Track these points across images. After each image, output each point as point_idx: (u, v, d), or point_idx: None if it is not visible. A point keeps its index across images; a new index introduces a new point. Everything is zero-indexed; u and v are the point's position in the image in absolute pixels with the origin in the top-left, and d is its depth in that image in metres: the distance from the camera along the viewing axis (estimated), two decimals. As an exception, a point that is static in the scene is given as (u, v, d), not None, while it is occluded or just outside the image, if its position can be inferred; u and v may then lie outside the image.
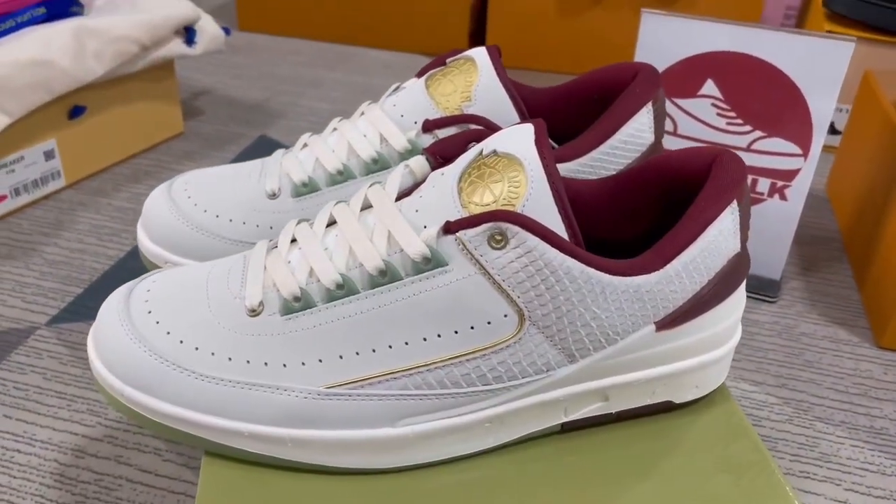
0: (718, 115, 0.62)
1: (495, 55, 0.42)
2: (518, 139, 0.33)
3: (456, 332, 0.32)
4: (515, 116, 0.41)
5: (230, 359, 0.32)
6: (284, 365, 0.32)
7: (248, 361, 0.32)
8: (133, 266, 0.67)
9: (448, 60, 0.43)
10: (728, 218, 0.33)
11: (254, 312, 0.33)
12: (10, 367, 0.56)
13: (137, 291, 0.35)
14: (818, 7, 0.97)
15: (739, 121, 0.62)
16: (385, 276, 0.32)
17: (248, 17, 1.23)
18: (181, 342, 0.33)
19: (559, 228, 0.31)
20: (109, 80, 0.77)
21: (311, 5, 1.19)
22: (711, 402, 0.38)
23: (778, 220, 0.64)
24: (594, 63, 1.04)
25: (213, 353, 0.33)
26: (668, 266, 0.33)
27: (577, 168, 0.40)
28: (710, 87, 0.62)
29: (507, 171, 0.32)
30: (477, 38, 1.20)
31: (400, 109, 0.42)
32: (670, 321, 0.34)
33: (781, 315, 0.65)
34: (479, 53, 0.42)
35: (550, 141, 0.41)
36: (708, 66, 0.61)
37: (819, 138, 0.60)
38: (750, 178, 0.63)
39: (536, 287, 0.31)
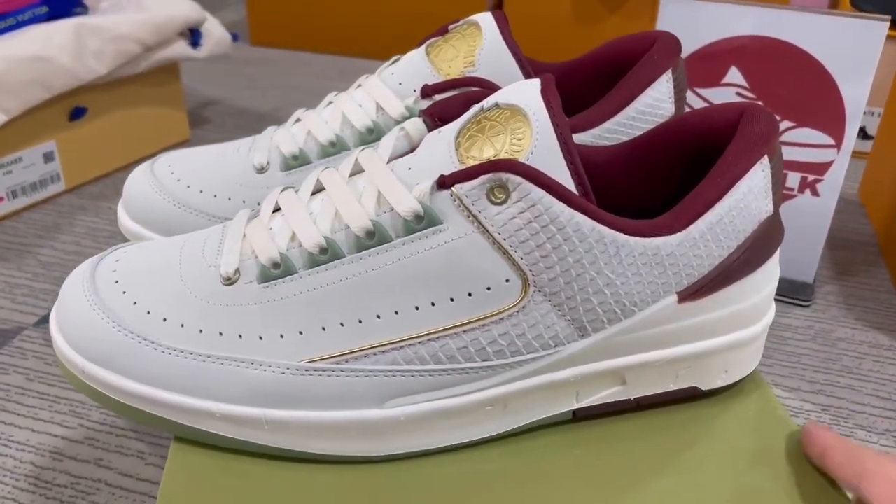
0: (743, 104, 0.59)
1: (502, 19, 0.39)
2: (523, 90, 0.29)
3: (452, 300, 0.28)
4: (520, 78, 0.38)
5: (201, 331, 0.29)
6: (261, 337, 0.29)
7: (220, 333, 0.29)
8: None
9: (450, 27, 0.41)
10: (759, 175, 0.30)
11: (229, 281, 0.29)
12: (-7, 367, 0.53)
13: (106, 262, 0.32)
14: (845, 4, 0.93)
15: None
16: (373, 237, 0.28)
17: (260, 32, 1.22)
18: (148, 313, 0.29)
19: (568, 183, 0.28)
20: (112, 82, 0.75)
21: (323, 20, 1.18)
22: (742, 390, 0.34)
23: (810, 218, 0.60)
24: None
25: (182, 325, 0.29)
26: (692, 227, 0.29)
27: (590, 140, 0.37)
28: (734, 74, 0.58)
29: (510, 122, 0.28)
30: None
31: (398, 78, 0.39)
32: (695, 291, 0.30)
33: (815, 319, 0.61)
34: (485, 17, 0.39)
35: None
36: (732, 52, 0.58)
37: (853, 127, 0.56)
38: (778, 172, 0.60)
39: (542, 247, 0.27)
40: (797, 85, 0.57)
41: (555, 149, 0.28)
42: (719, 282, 0.30)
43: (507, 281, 0.28)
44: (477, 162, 0.28)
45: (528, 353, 0.29)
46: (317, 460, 0.30)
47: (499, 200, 0.27)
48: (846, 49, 0.54)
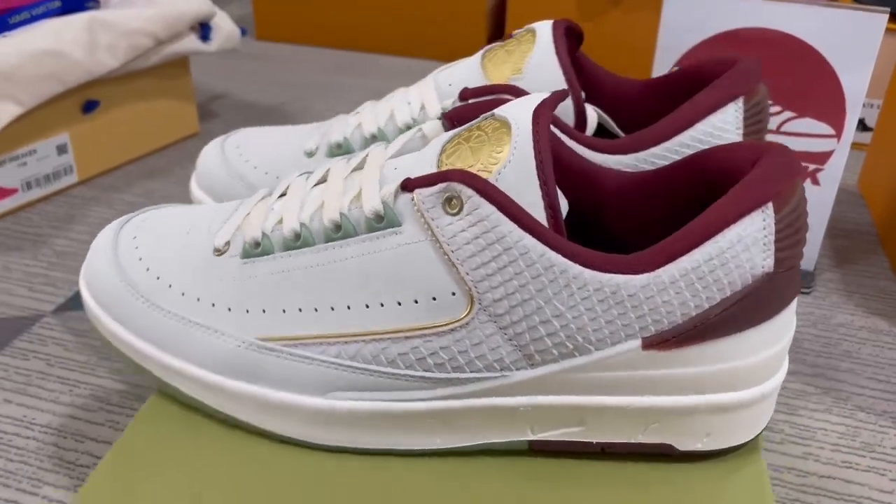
0: (746, 95, 0.60)
1: (559, 30, 0.38)
2: (522, 104, 0.29)
3: (399, 304, 0.28)
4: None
5: (183, 294, 0.31)
6: (229, 309, 0.30)
7: (198, 299, 0.30)
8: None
9: (514, 33, 0.41)
10: (755, 224, 0.27)
11: (218, 252, 0.31)
12: (13, 353, 0.54)
13: (136, 219, 0.34)
14: None
15: (768, 101, 0.60)
16: (339, 231, 0.29)
17: (265, 27, 1.23)
18: (147, 269, 0.32)
19: (535, 204, 0.27)
20: (123, 75, 0.76)
21: (329, 14, 1.19)
22: (730, 461, 0.31)
23: (811, 207, 0.61)
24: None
25: (170, 286, 0.31)
26: (661, 270, 0.27)
27: (633, 163, 0.35)
28: (736, 66, 0.59)
29: (495, 134, 0.28)
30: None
31: (449, 79, 0.40)
32: (662, 341, 0.28)
33: (816, 306, 0.62)
34: (543, 26, 0.39)
35: (607, 123, 0.37)
36: (735, 44, 0.59)
37: (853, 117, 0.58)
38: (780, 161, 0.61)
39: (487, 265, 0.27)
40: (798, 76, 0.58)
41: (529, 167, 0.27)
42: (694, 335, 0.28)
43: (453, 294, 0.27)
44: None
45: (471, 372, 0.28)
46: (277, 439, 0.31)
47: (453, 211, 0.27)
48: (846, 41, 0.56)
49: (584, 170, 0.32)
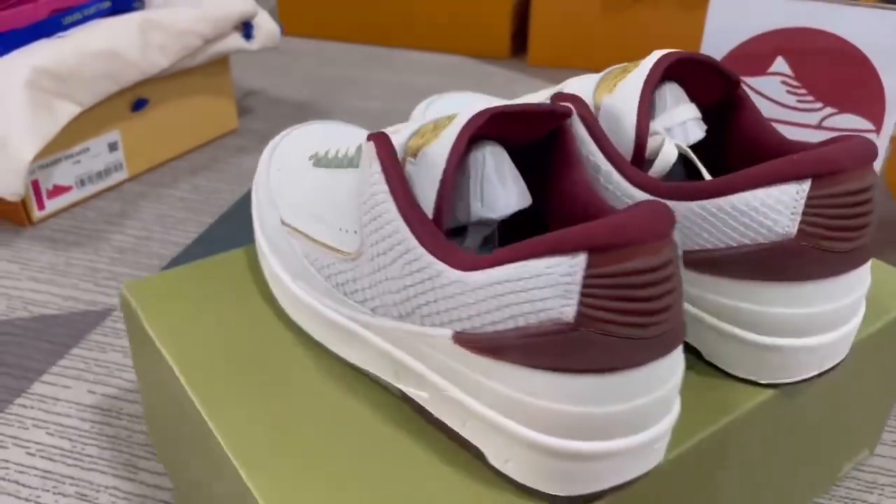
0: (788, 92, 0.62)
1: (663, 61, 0.36)
2: (476, 108, 0.30)
3: (336, 224, 0.33)
4: (630, 122, 0.35)
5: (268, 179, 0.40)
6: (283, 196, 0.38)
7: (271, 188, 0.39)
8: (198, 252, 0.67)
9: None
10: (555, 268, 0.24)
11: (311, 158, 0.38)
12: (90, 345, 0.56)
13: (297, 130, 0.43)
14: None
15: (810, 98, 0.62)
16: (352, 162, 0.34)
17: (290, 21, 1.24)
18: (278, 169, 0.40)
19: (430, 189, 0.28)
20: (170, 74, 0.78)
21: (353, 9, 1.21)
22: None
23: (848, 199, 0.64)
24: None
25: (280, 170, 0.40)
26: (477, 273, 0.26)
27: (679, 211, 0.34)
28: (780, 64, 0.62)
29: (443, 122, 0.30)
30: (519, 38, 1.21)
31: (567, 88, 0.40)
32: (468, 341, 0.27)
33: (854, 294, 0.64)
34: (654, 55, 0.37)
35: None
36: (779, 42, 0.61)
37: (892, 114, 0.60)
38: (820, 156, 0.63)
39: (373, 222, 0.30)
40: (840, 73, 0.60)
41: (441, 157, 0.28)
42: (490, 350, 0.26)
43: (355, 233, 0.32)
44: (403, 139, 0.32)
45: (356, 302, 0.33)
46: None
47: (372, 170, 0.30)
48: (887, 40, 0.58)
49: (586, 191, 0.31)
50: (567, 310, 0.24)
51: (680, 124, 0.36)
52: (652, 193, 0.33)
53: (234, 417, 0.32)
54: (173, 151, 0.83)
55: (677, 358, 0.27)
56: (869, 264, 0.33)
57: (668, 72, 0.36)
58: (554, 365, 0.25)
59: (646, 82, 0.34)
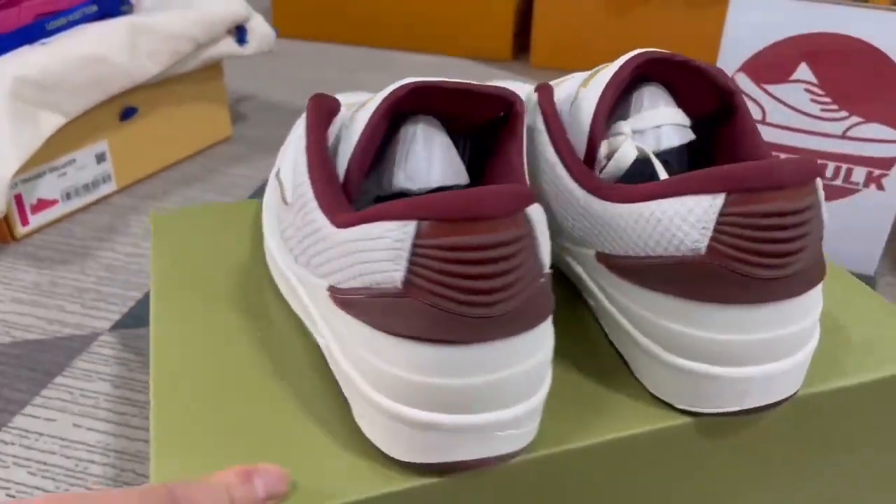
0: (812, 100, 0.59)
1: (634, 60, 0.34)
2: (403, 86, 0.31)
3: (289, 178, 0.34)
4: (588, 118, 0.35)
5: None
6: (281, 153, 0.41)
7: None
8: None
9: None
10: (391, 234, 0.25)
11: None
12: (76, 374, 0.52)
13: None
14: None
15: (835, 106, 0.59)
16: None
17: (284, 23, 1.21)
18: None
19: (345, 154, 0.31)
20: (160, 81, 0.74)
21: (349, 10, 1.17)
22: None
23: (874, 212, 0.61)
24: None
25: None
26: (341, 231, 0.27)
27: (598, 208, 0.33)
28: (803, 71, 0.59)
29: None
30: (522, 40, 1.18)
31: (564, 84, 0.39)
32: (334, 295, 0.28)
33: (879, 312, 0.61)
34: (632, 53, 0.36)
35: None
36: (802, 48, 0.58)
37: (922, 123, 0.57)
38: (845, 167, 0.60)
39: (292, 172, 0.33)
40: (866, 81, 0.57)
41: (360, 125, 0.30)
42: (344, 306, 0.27)
43: (297, 186, 0.32)
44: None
45: (288, 250, 0.33)
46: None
47: (301, 122, 0.34)
48: (919, 45, 0.55)
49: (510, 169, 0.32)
50: (396, 275, 0.25)
51: (653, 128, 0.34)
52: (588, 191, 0.32)
53: (171, 339, 0.34)
54: (164, 161, 0.79)
55: (519, 345, 0.25)
56: (810, 298, 0.29)
57: (659, 74, 0.35)
58: (387, 328, 0.26)
59: (611, 80, 0.33)
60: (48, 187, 0.68)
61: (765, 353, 0.29)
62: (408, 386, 0.26)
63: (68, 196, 0.70)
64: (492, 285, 0.24)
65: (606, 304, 0.33)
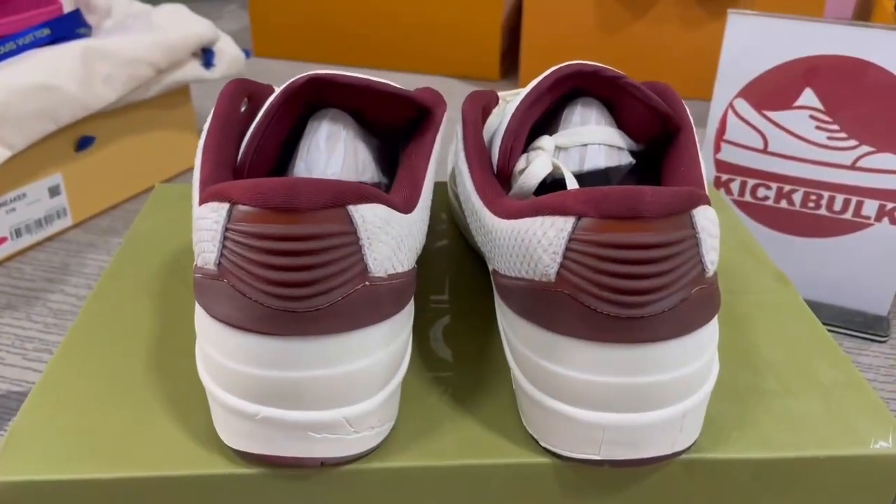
0: (818, 128, 0.54)
1: (553, 75, 0.33)
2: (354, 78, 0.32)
3: None
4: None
5: None
6: None
7: None
8: (149, 314, 0.59)
9: None
10: (215, 214, 0.26)
11: None
12: (8, 438, 0.47)
13: None
14: (883, 7, 0.89)
15: (843, 135, 0.54)
16: None
17: (264, 42, 1.16)
18: None
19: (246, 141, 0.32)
20: (120, 108, 0.70)
21: (330, 29, 1.13)
22: None
23: (886, 247, 0.56)
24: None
25: None
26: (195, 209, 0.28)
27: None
28: (808, 96, 0.54)
29: None
30: (510, 59, 1.13)
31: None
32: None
33: (893, 357, 0.56)
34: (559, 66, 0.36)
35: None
36: (806, 72, 0.53)
37: (938, 152, 0.52)
38: (855, 199, 0.55)
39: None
40: (877, 107, 0.53)
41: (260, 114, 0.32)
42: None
43: None
44: None
45: None
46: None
47: None
48: (935, 69, 0.50)
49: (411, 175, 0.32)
50: (211, 256, 0.25)
51: (579, 146, 0.32)
52: (484, 203, 0.31)
53: (90, 325, 0.35)
54: (126, 193, 0.74)
55: (341, 345, 0.25)
56: (683, 346, 0.25)
57: (598, 90, 0.33)
58: (203, 305, 0.26)
59: (530, 91, 0.32)
60: (-5, 224, 0.63)
61: (621, 400, 0.26)
62: (224, 369, 0.26)
63: (18, 233, 0.65)
64: (301, 278, 0.25)
65: (499, 320, 0.31)
